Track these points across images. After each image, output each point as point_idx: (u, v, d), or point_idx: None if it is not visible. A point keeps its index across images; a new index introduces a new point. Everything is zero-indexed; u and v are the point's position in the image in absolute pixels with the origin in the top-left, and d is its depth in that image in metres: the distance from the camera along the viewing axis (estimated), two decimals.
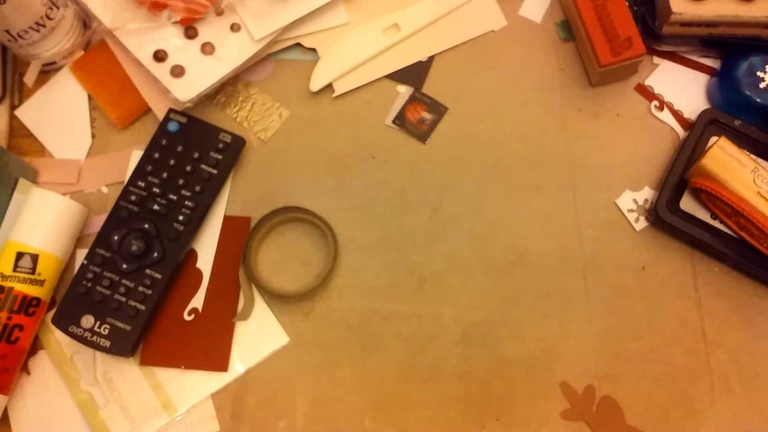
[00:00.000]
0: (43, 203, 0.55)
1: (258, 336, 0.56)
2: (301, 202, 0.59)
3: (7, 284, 0.53)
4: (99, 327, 0.54)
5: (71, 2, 0.61)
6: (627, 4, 0.59)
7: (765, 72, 0.57)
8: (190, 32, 0.59)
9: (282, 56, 0.63)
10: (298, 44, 0.62)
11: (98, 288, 0.55)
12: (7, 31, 0.57)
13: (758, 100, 0.57)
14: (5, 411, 0.54)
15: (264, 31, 0.60)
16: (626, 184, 0.59)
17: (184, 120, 0.59)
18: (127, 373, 0.56)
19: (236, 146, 0.59)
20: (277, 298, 0.57)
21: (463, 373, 0.55)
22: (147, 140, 0.59)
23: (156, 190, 0.57)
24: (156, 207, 0.57)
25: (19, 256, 0.54)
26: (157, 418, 0.54)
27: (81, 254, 0.58)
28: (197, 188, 0.57)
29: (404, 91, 0.62)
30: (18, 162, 0.58)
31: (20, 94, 0.63)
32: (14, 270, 0.53)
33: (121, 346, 0.54)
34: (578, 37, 0.61)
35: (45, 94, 0.62)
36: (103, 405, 0.55)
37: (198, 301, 0.57)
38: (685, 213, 0.56)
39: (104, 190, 0.60)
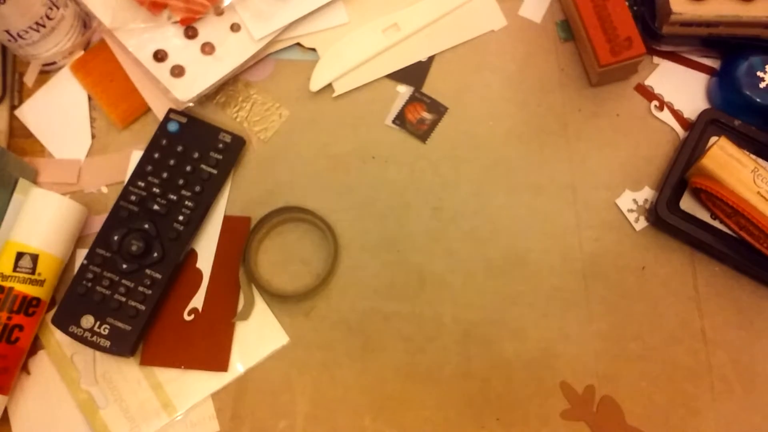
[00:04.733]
0: (43, 203, 0.55)
1: (258, 336, 0.56)
2: (301, 202, 0.59)
3: (7, 284, 0.53)
4: (99, 327, 0.54)
5: (71, 2, 0.61)
6: (627, 4, 0.59)
7: (765, 72, 0.57)
8: (190, 32, 0.59)
9: (282, 56, 0.63)
10: (298, 44, 0.62)
11: (98, 288, 0.55)
12: (7, 31, 0.57)
13: (758, 100, 0.57)
14: (5, 411, 0.54)
15: (264, 31, 0.60)
16: (626, 184, 0.59)
17: (184, 120, 0.59)
18: (127, 373, 0.56)
19: (236, 146, 0.59)
20: (277, 298, 0.57)
21: (463, 373, 0.55)
22: (147, 140, 0.59)
23: (156, 190, 0.57)
24: (156, 207, 0.57)
25: (19, 256, 0.54)
26: (157, 418, 0.54)
27: (81, 254, 0.58)
28: (197, 188, 0.57)
29: (404, 91, 0.62)
30: (18, 162, 0.58)
31: (20, 94, 0.63)
32: (14, 270, 0.53)
33: (121, 346, 0.54)
34: (578, 37, 0.61)
35: (45, 94, 0.62)
36: (103, 405, 0.55)
37: (198, 301, 0.57)
38: (685, 213, 0.56)
39: (104, 190, 0.60)
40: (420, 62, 0.62)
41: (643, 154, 0.60)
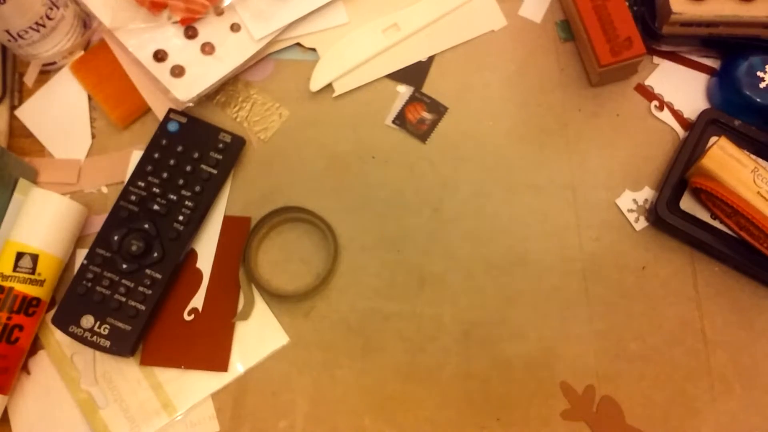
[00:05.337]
0: (43, 203, 0.55)
1: (258, 336, 0.56)
2: (301, 202, 0.59)
3: (7, 284, 0.53)
4: (99, 327, 0.54)
5: (71, 2, 0.61)
6: (627, 4, 0.59)
7: (765, 72, 0.57)
8: (190, 32, 0.59)
9: (282, 56, 0.63)
10: (298, 44, 0.62)
11: (98, 288, 0.55)
12: (7, 31, 0.57)
13: (758, 100, 0.57)
14: (5, 411, 0.54)
15: (264, 31, 0.60)
16: (626, 184, 0.59)
17: (184, 120, 0.59)
18: (127, 373, 0.56)
19: (236, 146, 0.59)
20: (277, 298, 0.57)
21: (463, 373, 0.55)
22: (147, 140, 0.59)
23: (156, 190, 0.57)
24: (156, 207, 0.57)
25: (19, 256, 0.54)
26: (157, 418, 0.54)
27: (81, 254, 0.58)
28: (197, 188, 0.57)
29: (404, 91, 0.62)
30: (18, 162, 0.58)
31: (20, 94, 0.63)
32: (14, 270, 0.53)
33: (121, 346, 0.54)
34: (578, 37, 0.61)
35: (45, 94, 0.62)
36: (103, 405, 0.55)
37: (198, 301, 0.57)
38: (685, 213, 0.56)
39: (104, 190, 0.60)
40: (420, 62, 0.62)
41: (643, 154, 0.59)
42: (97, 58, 0.62)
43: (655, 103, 0.61)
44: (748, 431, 0.54)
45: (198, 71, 0.59)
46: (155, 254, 0.55)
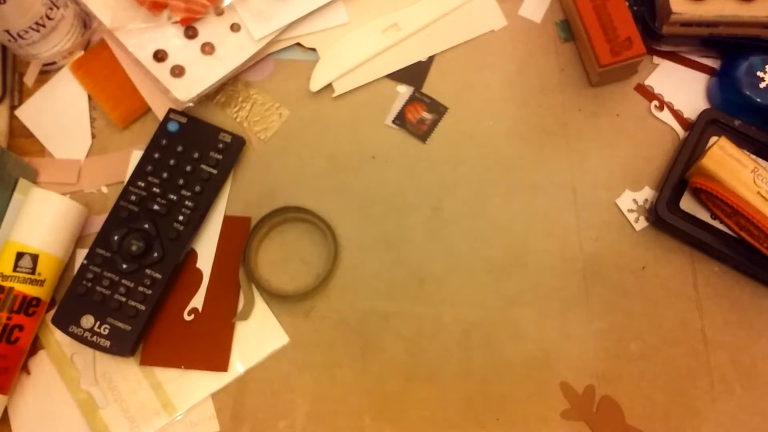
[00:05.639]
0: (43, 203, 0.55)
1: (258, 336, 0.56)
2: (301, 202, 0.59)
3: (7, 284, 0.53)
4: (99, 327, 0.54)
5: (71, 2, 0.61)
6: (627, 4, 0.59)
7: (765, 72, 0.57)
8: (190, 32, 0.59)
9: (282, 56, 0.63)
10: (298, 44, 0.62)
11: (98, 288, 0.55)
12: (7, 31, 0.57)
13: (758, 100, 0.57)
14: (5, 411, 0.54)
15: (264, 31, 0.60)
16: (626, 184, 0.59)
17: (184, 120, 0.59)
18: (127, 373, 0.56)
19: (236, 146, 0.59)
20: (277, 298, 0.57)
21: (463, 373, 0.55)
22: (147, 140, 0.59)
23: (156, 190, 0.57)
24: (156, 207, 0.57)
25: (19, 256, 0.54)
26: (157, 418, 0.55)
27: (81, 254, 0.58)
28: (197, 188, 0.57)
29: (404, 91, 0.62)
30: (18, 162, 0.58)
31: (20, 94, 0.63)
32: (14, 270, 0.53)
33: (121, 346, 0.54)
34: (578, 37, 0.61)
35: (45, 94, 0.62)
36: (103, 405, 0.55)
37: (198, 301, 0.57)
38: (685, 213, 0.56)
39: (104, 190, 0.60)
40: (420, 62, 0.62)
41: (643, 154, 0.59)
42: (97, 58, 0.62)
43: (655, 103, 0.61)
44: (748, 431, 0.54)
45: (198, 71, 0.59)
46: (155, 254, 0.55)
